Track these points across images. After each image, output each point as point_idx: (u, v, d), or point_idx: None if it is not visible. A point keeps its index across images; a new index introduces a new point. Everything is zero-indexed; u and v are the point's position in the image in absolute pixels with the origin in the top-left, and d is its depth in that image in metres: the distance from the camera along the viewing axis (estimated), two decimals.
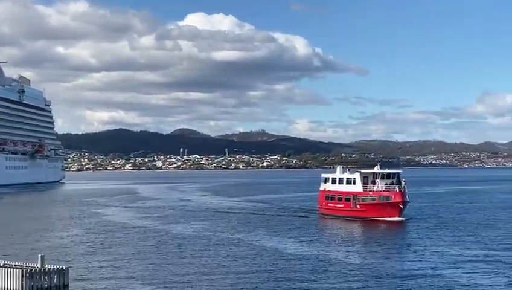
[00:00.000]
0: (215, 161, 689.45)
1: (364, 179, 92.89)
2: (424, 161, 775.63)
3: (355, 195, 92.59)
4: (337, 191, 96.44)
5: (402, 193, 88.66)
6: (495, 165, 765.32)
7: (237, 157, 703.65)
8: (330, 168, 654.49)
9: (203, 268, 50.70)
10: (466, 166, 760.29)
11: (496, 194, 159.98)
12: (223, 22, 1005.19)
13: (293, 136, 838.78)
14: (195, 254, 58.75)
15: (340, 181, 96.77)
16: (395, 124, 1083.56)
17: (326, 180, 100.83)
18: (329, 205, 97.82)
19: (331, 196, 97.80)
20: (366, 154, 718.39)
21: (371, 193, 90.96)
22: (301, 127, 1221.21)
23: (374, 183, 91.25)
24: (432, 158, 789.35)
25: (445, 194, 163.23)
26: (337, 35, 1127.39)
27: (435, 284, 43.77)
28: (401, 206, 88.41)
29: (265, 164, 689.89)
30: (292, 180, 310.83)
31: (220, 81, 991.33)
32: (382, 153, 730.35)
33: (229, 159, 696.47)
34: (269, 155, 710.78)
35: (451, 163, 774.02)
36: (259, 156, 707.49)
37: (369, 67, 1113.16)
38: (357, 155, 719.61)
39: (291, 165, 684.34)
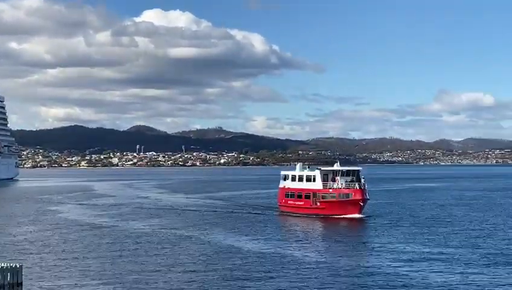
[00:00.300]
0: (172, 157, 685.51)
1: (324, 177, 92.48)
2: (380, 158, 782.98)
3: (315, 192, 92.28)
4: (297, 189, 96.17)
5: (362, 191, 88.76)
6: (450, 163, 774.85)
7: (194, 154, 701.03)
8: (288, 165, 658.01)
9: (159, 266, 50.07)
10: (422, 163, 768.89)
11: (450, 192, 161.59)
12: (180, 19, 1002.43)
13: (250, 133, 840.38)
14: (152, 251, 58.10)
15: (300, 178, 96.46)
16: (352, 121, 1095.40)
17: (285, 178, 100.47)
18: (289, 202, 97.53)
19: (290, 193, 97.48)
20: (323, 152, 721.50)
21: (330, 190, 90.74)
22: (258, 124, 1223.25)
23: (333, 180, 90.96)
24: (388, 155, 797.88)
25: (402, 191, 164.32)
26: (294, 33, 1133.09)
27: (391, 281, 43.78)
28: (361, 204, 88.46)
29: (222, 161, 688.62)
30: (249, 177, 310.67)
31: (176, 78, 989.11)
32: (339, 150, 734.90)
33: (186, 156, 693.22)
34: (226, 152, 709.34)
35: (407, 160, 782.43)
36: (216, 153, 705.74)
37: (326, 65, 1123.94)
38: (314, 152, 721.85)
39: (248, 162, 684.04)
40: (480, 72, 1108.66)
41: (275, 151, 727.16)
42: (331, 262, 51.80)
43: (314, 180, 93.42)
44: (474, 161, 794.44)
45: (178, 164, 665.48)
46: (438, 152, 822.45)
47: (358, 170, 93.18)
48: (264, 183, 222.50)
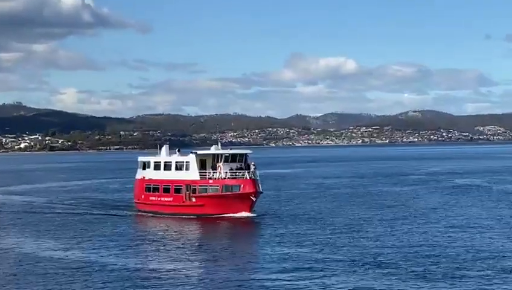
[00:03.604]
0: None
1: (202, 163, 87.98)
2: (222, 139, 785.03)
3: (189, 184, 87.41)
4: (163, 180, 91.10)
5: (253, 181, 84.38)
6: (307, 144, 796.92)
7: None
8: (107, 149, 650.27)
9: None
10: (273, 145, 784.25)
11: (310, 180, 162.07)
12: None
13: (57, 109, 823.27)
14: None
15: (167, 166, 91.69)
16: (186, 94, 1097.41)
17: (145, 165, 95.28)
18: (151, 198, 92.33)
19: (153, 187, 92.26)
20: (150, 132, 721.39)
21: (211, 181, 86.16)
22: (68, 99, 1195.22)
23: (214, 168, 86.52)
24: (232, 136, 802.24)
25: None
26: None
27: None
28: (253, 199, 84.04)
29: (22, 145, 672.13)
30: (65, 165, 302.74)
31: None
32: (171, 130, 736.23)
33: None
34: (28, 134, 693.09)
35: (255, 141, 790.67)
36: (14, 135, 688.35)
37: (153, 24, 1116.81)
38: (140, 133, 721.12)
39: (56, 147, 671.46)
40: (341, 32, 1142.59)
41: (90, 132, 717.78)
42: (215, 279, 49.36)
43: (187, 168, 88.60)
44: (336, 140, 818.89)
45: None
46: (293, 131, 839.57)
47: (246, 154, 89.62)
48: (88, 172, 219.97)
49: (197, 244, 66.82)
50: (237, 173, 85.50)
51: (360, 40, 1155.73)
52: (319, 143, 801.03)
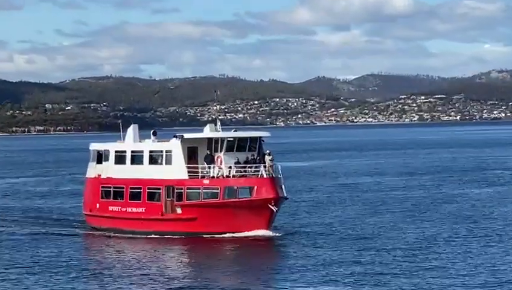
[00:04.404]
0: None
1: (192, 153, 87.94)
2: (204, 114, 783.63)
3: (171, 186, 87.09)
4: (131, 180, 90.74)
5: (273, 181, 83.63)
6: (334, 122, 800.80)
7: None
8: (24, 132, 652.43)
9: None
10: (282, 124, 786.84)
11: (337, 179, 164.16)
12: None
13: None
14: None
15: (137, 158, 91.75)
16: (147, 45, 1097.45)
17: (102, 157, 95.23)
18: (112, 208, 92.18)
19: (115, 190, 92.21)
20: (92, 105, 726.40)
21: (206, 181, 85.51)
22: None
23: (211, 160, 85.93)
24: (218, 111, 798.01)
25: None
26: None
27: None
28: (273, 209, 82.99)
29: None
30: None
31: None
32: (124, 102, 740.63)
33: None
34: None
35: (254, 119, 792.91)
36: None
37: None
38: (76, 106, 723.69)
39: None
40: None
41: None
42: None
43: (168, 160, 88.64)
44: (379, 116, 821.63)
45: None
46: (312, 102, 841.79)
47: (260, 138, 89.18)
48: (5, 168, 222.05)
49: (170, 278, 66.44)
50: (247, 169, 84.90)
51: None
52: (352, 121, 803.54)
